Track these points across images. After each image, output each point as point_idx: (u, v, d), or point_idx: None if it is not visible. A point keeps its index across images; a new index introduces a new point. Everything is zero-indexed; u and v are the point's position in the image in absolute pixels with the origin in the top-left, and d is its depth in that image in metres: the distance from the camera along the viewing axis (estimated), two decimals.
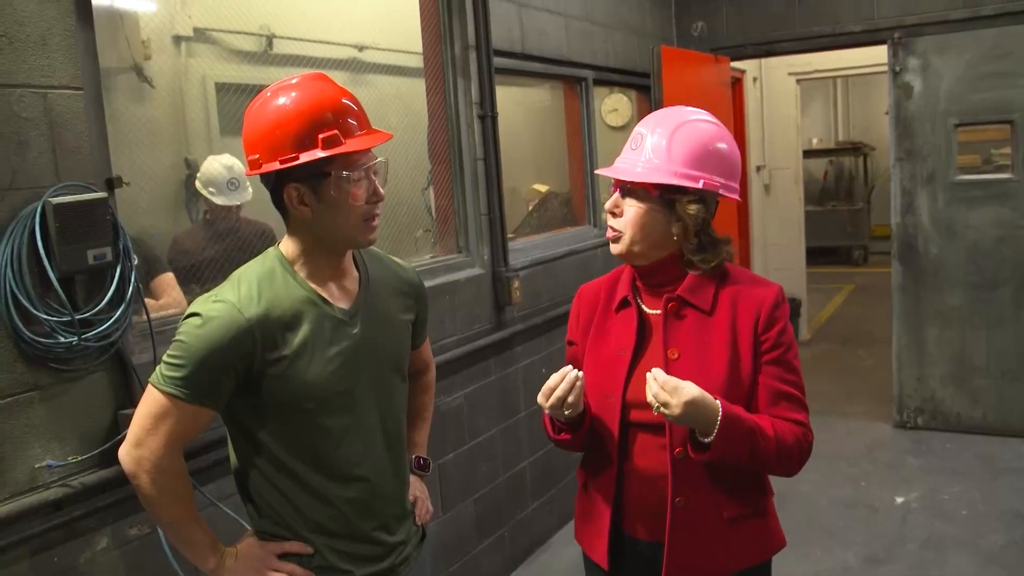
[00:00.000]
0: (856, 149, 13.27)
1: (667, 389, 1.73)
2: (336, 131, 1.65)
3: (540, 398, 1.85)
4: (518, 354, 4.20)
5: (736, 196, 1.92)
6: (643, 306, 1.96)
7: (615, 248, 1.94)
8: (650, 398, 1.74)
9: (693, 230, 1.87)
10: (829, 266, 12.19)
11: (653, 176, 1.84)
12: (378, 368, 1.83)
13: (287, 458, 1.74)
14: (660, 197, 1.86)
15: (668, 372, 1.81)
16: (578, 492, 2.11)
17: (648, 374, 1.76)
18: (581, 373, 1.84)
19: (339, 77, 3.74)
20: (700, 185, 1.84)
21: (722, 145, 1.89)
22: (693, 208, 1.85)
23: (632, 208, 1.88)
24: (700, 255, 1.90)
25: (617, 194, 1.92)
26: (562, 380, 1.82)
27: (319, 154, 1.64)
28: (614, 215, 1.92)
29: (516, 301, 4.03)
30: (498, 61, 4.01)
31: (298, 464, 1.75)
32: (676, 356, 1.88)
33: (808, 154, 11.28)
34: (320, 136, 1.64)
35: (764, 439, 1.81)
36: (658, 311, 1.93)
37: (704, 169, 1.85)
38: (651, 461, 1.90)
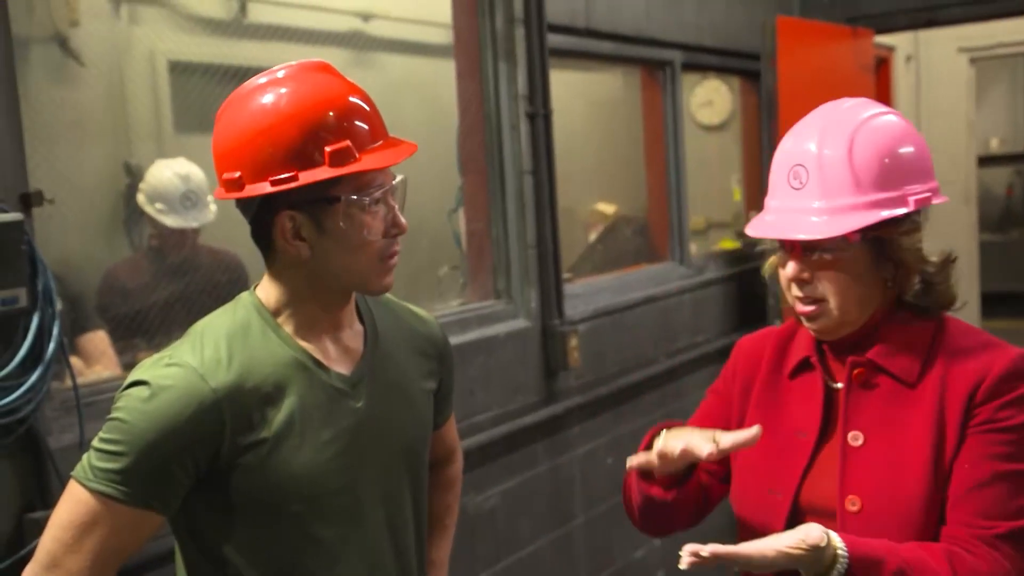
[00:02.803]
0: None
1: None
2: (348, 142, 1.68)
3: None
4: (575, 437, 4.18)
5: (944, 198, 1.90)
6: (831, 374, 1.94)
7: (816, 325, 1.89)
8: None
9: (916, 267, 1.86)
10: (1015, 319, 12.02)
11: (854, 221, 1.79)
12: (390, 456, 1.84)
13: None
14: (863, 240, 1.83)
15: (845, 465, 1.83)
16: None
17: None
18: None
19: (336, 57, 3.81)
20: (912, 207, 1.82)
21: (911, 143, 1.87)
22: (912, 240, 1.85)
23: (832, 269, 1.84)
24: (928, 297, 1.89)
25: (795, 257, 1.86)
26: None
27: (327, 173, 1.66)
28: (803, 282, 1.87)
29: (574, 365, 4.02)
30: (554, 39, 4.05)
31: None
32: (859, 442, 1.85)
33: (985, 161, 11.17)
34: (328, 149, 1.67)
35: None
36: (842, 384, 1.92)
37: (906, 180, 1.83)
38: None
